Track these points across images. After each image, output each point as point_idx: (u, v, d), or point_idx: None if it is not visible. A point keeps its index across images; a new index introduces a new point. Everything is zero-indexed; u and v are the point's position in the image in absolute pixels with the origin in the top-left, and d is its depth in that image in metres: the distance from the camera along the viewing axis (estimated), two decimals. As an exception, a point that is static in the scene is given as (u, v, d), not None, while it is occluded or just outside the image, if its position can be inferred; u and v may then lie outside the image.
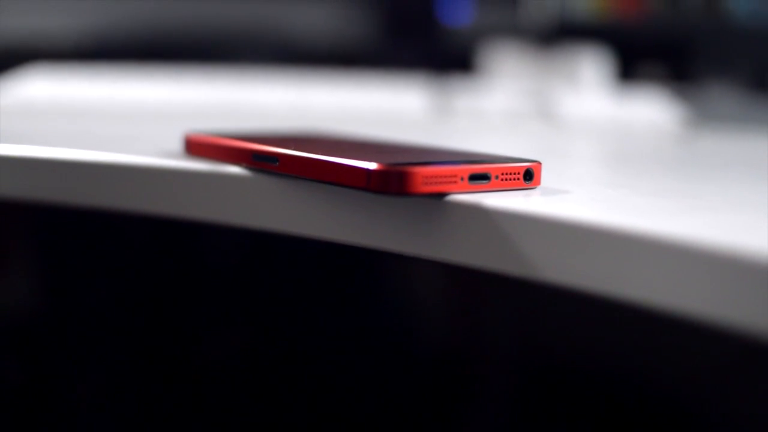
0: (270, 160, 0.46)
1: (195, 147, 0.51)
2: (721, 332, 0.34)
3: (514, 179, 0.42)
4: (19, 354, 1.18)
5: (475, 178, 0.41)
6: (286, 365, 1.19)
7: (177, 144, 0.57)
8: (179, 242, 1.20)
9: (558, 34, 1.25)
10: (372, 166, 0.39)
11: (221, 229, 0.51)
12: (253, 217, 0.48)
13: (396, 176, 0.39)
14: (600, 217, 0.36)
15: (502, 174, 0.42)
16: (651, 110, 0.89)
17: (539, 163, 0.43)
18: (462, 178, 0.40)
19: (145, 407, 1.17)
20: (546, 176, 0.47)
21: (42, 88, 0.87)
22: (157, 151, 0.54)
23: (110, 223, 1.14)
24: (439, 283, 1.22)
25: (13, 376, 1.16)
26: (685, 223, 0.36)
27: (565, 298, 0.98)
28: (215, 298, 1.21)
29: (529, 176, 0.43)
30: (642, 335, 1.02)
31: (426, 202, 0.41)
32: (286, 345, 1.20)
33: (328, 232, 0.45)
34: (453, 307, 1.22)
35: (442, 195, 0.41)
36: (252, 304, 1.21)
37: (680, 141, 0.79)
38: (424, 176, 0.39)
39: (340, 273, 1.19)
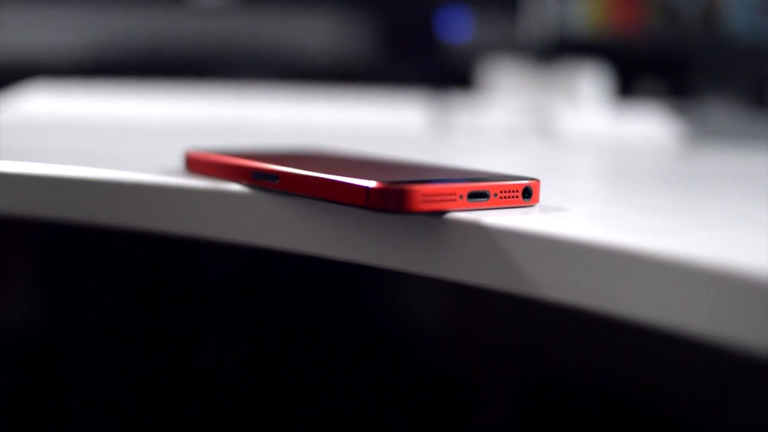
0: (270, 177, 0.46)
1: (195, 164, 0.52)
2: (720, 349, 0.34)
3: (513, 197, 0.42)
4: (20, 368, 1.17)
5: (474, 195, 0.41)
6: (285, 381, 1.19)
7: (177, 161, 0.57)
8: (179, 258, 1.21)
9: (557, 51, 1.25)
10: (371, 184, 0.40)
11: (221, 246, 0.51)
12: (253, 235, 0.48)
13: (395, 194, 0.39)
14: (598, 235, 0.36)
15: (501, 192, 0.42)
16: (649, 126, 0.90)
17: (538, 181, 0.43)
18: (461, 196, 0.41)
19: (144, 421, 1.17)
20: (544, 193, 0.47)
21: (43, 104, 0.88)
22: (157, 168, 0.54)
23: (110, 239, 1.14)
24: (439, 301, 1.22)
25: (14, 390, 1.16)
26: (683, 241, 0.36)
27: (564, 315, 0.98)
28: (215, 314, 1.21)
29: (528, 194, 0.43)
30: (640, 352, 1.02)
31: (425, 220, 0.41)
32: (286, 361, 1.20)
33: (329, 249, 0.45)
34: (452, 324, 1.22)
35: (441, 213, 0.41)
36: (252, 320, 1.21)
37: (679, 157, 0.79)
38: (423, 194, 0.40)
39: (340, 290, 1.19)
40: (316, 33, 1.41)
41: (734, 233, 0.38)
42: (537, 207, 0.43)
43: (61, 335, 1.20)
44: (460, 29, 1.33)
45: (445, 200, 0.40)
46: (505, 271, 0.39)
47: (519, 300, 0.42)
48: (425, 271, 0.42)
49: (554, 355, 1.13)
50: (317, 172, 0.43)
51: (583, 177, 0.64)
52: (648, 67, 1.30)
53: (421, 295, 1.21)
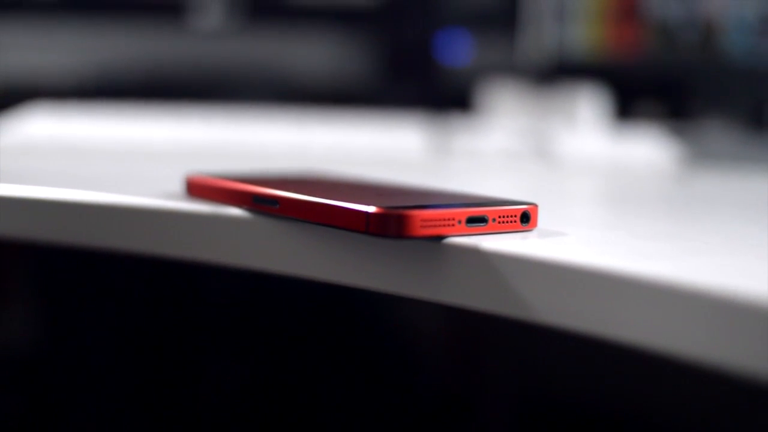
0: (270, 202, 0.46)
1: (196, 188, 0.52)
2: (717, 374, 0.35)
3: (511, 222, 0.43)
4: (21, 389, 1.17)
5: (473, 221, 0.41)
6: (286, 403, 1.19)
7: (178, 184, 0.58)
8: (180, 281, 1.21)
9: (555, 73, 1.26)
10: (371, 209, 0.40)
11: (222, 270, 0.52)
12: (254, 259, 0.48)
13: (394, 219, 0.39)
14: (596, 260, 0.37)
15: (499, 217, 0.42)
16: (648, 149, 0.90)
17: (536, 206, 0.44)
18: (459, 221, 0.41)
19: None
20: (543, 218, 0.48)
21: (43, 127, 0.88)
22: (158, 192, 0.54)
23: (111, 262, 1.14)
24: (438, 324, 1.22)
25: (14, 410, 1.16)
26: (680, 266, 0.36)
27: (562, 339, 0.98)
28: (215, 337, 1.21)
29: (526, 219, 0.43)
30: (638, 376, 1.02)
31: (424, 245, 0.42)
32: (287, 384, 1.19)
33: (328, 274, 0.45)
34: (451, 348, 1.22)
35: (440, 238, 0.41)
36: (252, 345, 1.21)
37: (677, 180, 0.79)
38: (422, 219, 0.40)
39: (340, 313, 1.19)
40: (315, 56, 1.41)
41: (730, 259, 0.38)
42: (535, 231, 0.44)
43: (61, 358, 1.20)
44: (459, 52, 1.34)
45: (444, 225, 0.41)
46: (504, 296, 0.39)
47: (517, 324, 0.43)
48: (424, 296, 0.42)
49: (552, 378, 1.13)
50: (317, 197, 0.44)
51: (581, 201, 0.64)
52: (646, 90, 1.30)
53: (421, 318, 1.21)
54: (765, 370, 0.31)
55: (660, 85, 1.30)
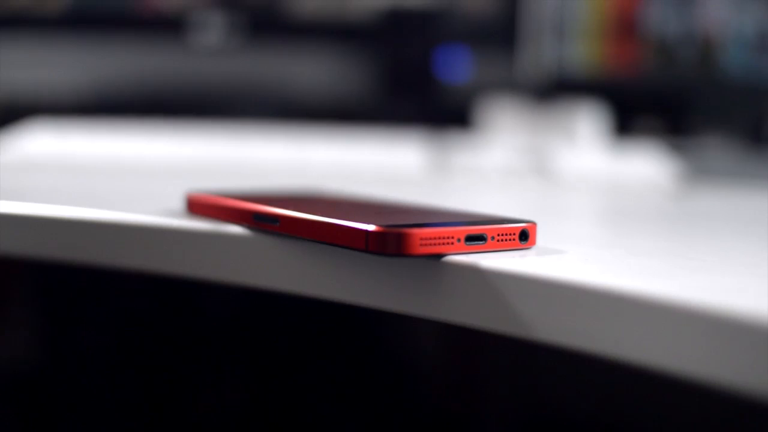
0: (271, 220, 0.46)
1: (197, 206, 0.52)
2: (714, 391, 0.35)
3: (510, 240, 0.43)
4: (20, 408, 1.17)
5: (472, 239, 0.42)
6: (284, 421, 1.19)
7: (179, 202, 0.58)
8: (181, 299, 1.21)
9: (555, 90, 1.26)
10: (370, 227, 0.40)
11: (223, 287, 0.52)
12: (254, 277, 0.48)
13: (394, 238, 0.40)
14: (594, 279, 0.37)
15: (498, 235, 0.42)
16: (647, 166, 0.90)
17: (534, 224, 0.44)
18: (459, 239, 0.41)
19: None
20: (541, 236, 0.48)
21: (43, 143, 0.88)
22: (159, 209, 0.54)
23: (112, 279, 1.14)
24: (437, 343, 1.22)
25: (15, 428, 1.16)
26: (678, 285, 0.36)
27: (560, 357, 0.98)
28: (214, 355, 1.21)
29: (525, 237, 0.43)
30: (637, 395, 1.02)
31: (423, 263, 0.42)
32: (286, 402, 1.19)
33: (328, 291, 0.46)
34: (450, 366, 1.22)
35: (439, 256, 0.41)
36: (252, 361, 1.21)
37: (676, 197, 0.80)
38: (421, 238, 0.40)
39: (340, 331, 1.19)
40: (315, 73, 1.42)
41: (728, 277, 0.39)
42: (534, 249, 0.44)
43: (61, 375, 1.20)
44: (458, 69, 1.34)
45: (443, 243, 0.41)
46: (503, 314, 0.39)
47: (516, 342, 0.43)
48: (424, 314, 0.42)
49: (551, 396, 1.13)
50: (317, 215, 0.44)
51: (580, 218, 0.64)
52: (645, 106, 1.31)
53: (420, 336, 1.21)
54: (763, 387, 0.31)
55: (659, 102, 1.30)
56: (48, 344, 1.21)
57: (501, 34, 1.32)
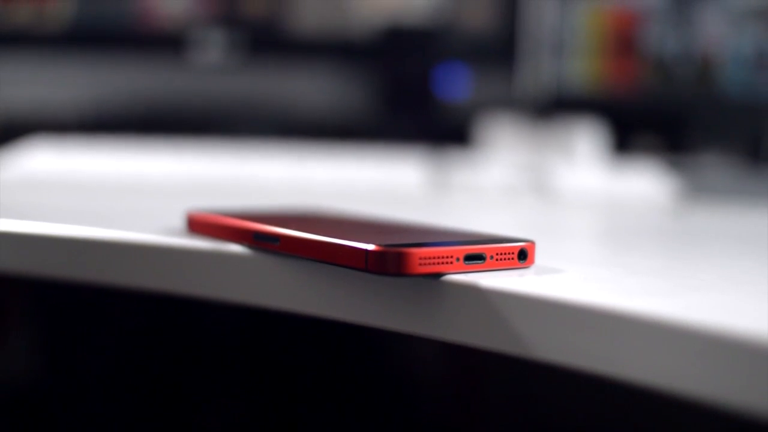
0: (271, 240, 0.47)
1: (197, 225, 0.52)
2: (713, 411, 0.35)
3: (509, 259, 0.43)
4: (21, 424, 1.17)
5: (471, 258, 0.42)
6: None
7: (179, 220, 0.58)
8: (181, 317, 1.21)
9: (553, 108, 1.26)
10: (370, 247, 0.40)
11: (223, 306, 0.52)
12: (254, 295, 0.48)
13: (393, 257, 0.40)
14: (592, 298, 0.37)
15: (497, 254, 0.43)
16: (645, 183, 0.90)
17: (533, 243, 0.44)
18: (457, 259, 0.41)
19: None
20: (540, 254, 0.48)
21: (43, 161, 0.88)
22: (160, 228, 0.55)
23: (112, 298, 1.14)
24: (436, 362, 1.22)
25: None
26: (677, 304, 0.36)
27: (559, 377, 0.98)
28: (215, 373, 1.20)
29: (523, 256, 0.44)
30: (636, 414, 1.02)
31: (423, 282, 0.42)
32: (285, 420, 1.19)
33: (328, 310, 0.46)
34: (449, 385, 1.22)
35: (438, 275, 0.41)
36: (253, 380, 1.21)
37: (674, 215, 0.80)
38: (420, 257, 0.40)
39: (339, 350, 1.19)
40: (315, 91, 1.42)
41: (727, 295, 0.39)
42: (532, 268, 0.44)
43: (61, 393, 1.19)
44: (457, 87, 1.35)
45: (442, 263, 0.41)
46: (502, 333, 0.40)
47: (515, 361, 0.43)
48: (423, 332, 0.42)
49: (550, 416, 1.13)
50: (317, 234, 0.44)
51: (579, 237, 0.65)
52: (644, 124, 1.31)
53: (419, 355, 1.21)
54: (763, 407, 0.31)
55: (657, 119, 1.31)
56: (48, 363, 1.21)
57: (500, 52, 1.33)
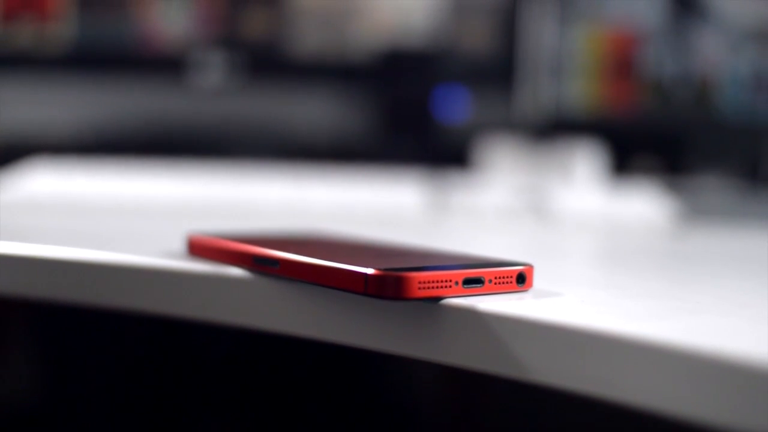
0: (271, 263, 0.47)
1: (197, 248, 0.53)
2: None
3: (507, 283, 0.43)
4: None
5: (469, 282, 0.42)
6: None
7: (179, 243, 0.58)
8: (181, 340, 1.21)
9: (552, 130, 1.27)
10: (369, 271, 0.41)
11: (222, 329, 0.52)
12: (254, 319, 0.49)
13: (392, 281, 0.40)
14: (591, 321, 0.37)
15: (496, 278, 0.43)
16: (644, 205, 0.91)
17: (531, 267, 0.44)
18: (456, 282, 0.42)
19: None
20: (539, 278, 0.48)
21: (44, 183, 0.88)
22: (160, 251, 0.55)
23: (113, 320, 1.14)
24: (435, 385, 1.22)
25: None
26: (675, 327, 0.37)
27: (558, 400, 0.98)
28: (215, 396, 1.20)
29: (522, 279, 0.44)
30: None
31: (422, 306, 0.42)
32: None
33: (328, 333, 0.46)
34: (448, 409, 1.22)
35: (437, 299, 0.42)
36: (251, 404, 1.21)
37: (672, 237, 0.80)
38: (419, 281, 0.40)
39: (339, 373, 1.19)
40: (315, 113, 1.43)
41: (724, 318, 0.39)
42: (531, 292, 0.44)
43: (61, 416, 1.19)
44: (456, 109, 1.35)
45: (441, 287, 0.41)
46: (500, 356, 0.40)
47: (513, 384, 0.43)
48: (422, 356, 0.43)
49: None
50: (316, 258, 0.44)
51: (577, 259, 0.65)
52: (642, 146, 1.31)
53: (418, 379, 1.21)
54: (762, 430, 0.32)
55: (656, 141, 1.31)
56: (48, 386, 1.21)
57: (499, 74, 1.33)
